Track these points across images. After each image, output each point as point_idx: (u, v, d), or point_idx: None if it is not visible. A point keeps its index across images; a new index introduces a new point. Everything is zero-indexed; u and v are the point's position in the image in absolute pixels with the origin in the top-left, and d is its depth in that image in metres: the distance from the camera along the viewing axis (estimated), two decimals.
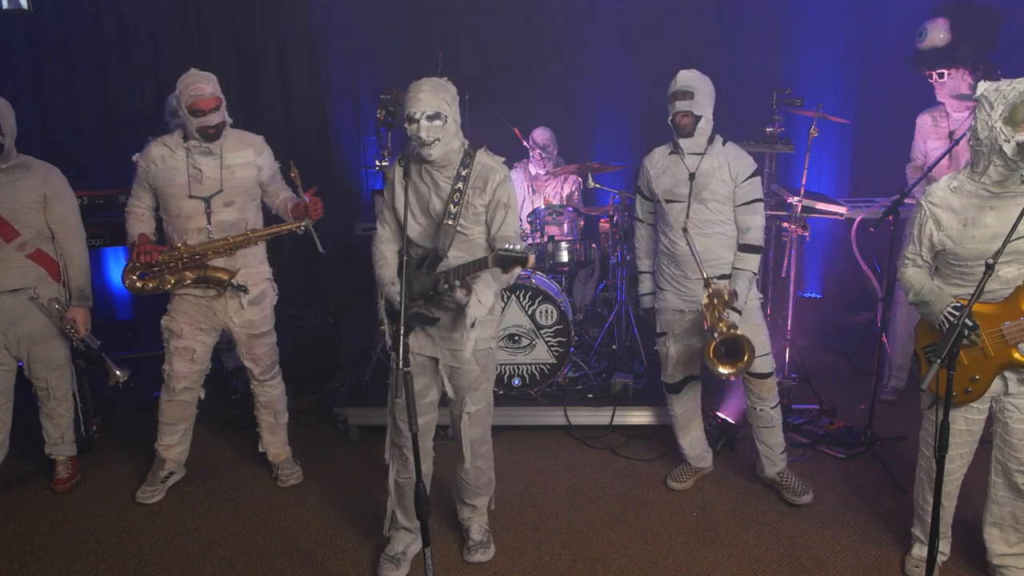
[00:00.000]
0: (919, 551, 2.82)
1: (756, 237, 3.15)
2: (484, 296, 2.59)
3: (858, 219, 4.09)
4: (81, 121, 5.10)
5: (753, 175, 3.12)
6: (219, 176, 3.16)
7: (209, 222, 3.17)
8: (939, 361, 2.08)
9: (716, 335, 2.90)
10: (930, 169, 3.72)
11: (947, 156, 3.66)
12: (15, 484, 3.54)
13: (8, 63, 4.95)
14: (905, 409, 4.11)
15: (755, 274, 3.18)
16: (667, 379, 3.41)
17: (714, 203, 3.11)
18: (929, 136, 4.00)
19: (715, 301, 2.93)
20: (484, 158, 2.65)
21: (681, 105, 3.06)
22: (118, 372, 3.44)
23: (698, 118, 3.07)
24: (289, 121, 4.72)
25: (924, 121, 4.03)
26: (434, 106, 2.50)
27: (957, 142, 3.60)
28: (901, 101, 5.46)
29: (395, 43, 5.69)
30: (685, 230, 3.06)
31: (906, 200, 3.50)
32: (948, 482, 2.66)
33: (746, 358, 2.94)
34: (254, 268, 3.33)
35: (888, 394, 4.25)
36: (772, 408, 3.27)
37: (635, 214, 3.45)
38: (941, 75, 3.85)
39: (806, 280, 5.89)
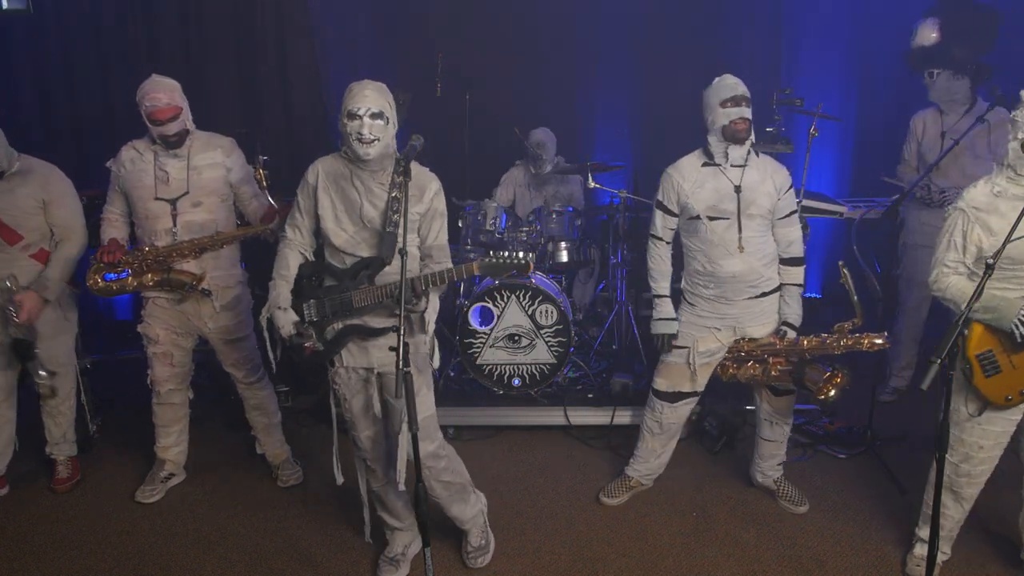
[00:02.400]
0: (921, 550, 2.82)
1: (800, 249, 3.09)
2: (434, 303, 2.58)
3: (858, 219, 4.09)
4: (80, 121, 5.09)
5: (791, 185, 3.03)
6: (185, 177, 3.14)
7: (175, 224, 3.14)
8: (939, 360, 2.09)
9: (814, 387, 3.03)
10: (929, 169, 3.73)
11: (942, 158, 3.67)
12: (15, 484, 3.54)
13: (8, 63, 4.95)
14: (905, 409, 4.11)
15: (803, 287, 3.12)
16: (666, 388, 3.22)
17: (760, 218, 2.96)
18: (924, 138, 4.01)
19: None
20: (416, 167, 2.57)
21: (741, 111, 2.88)
22: (42, 372, 3.33)
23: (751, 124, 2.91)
24: (289, 121, 4.72)
25: (919, 123, 4.03)
26: (379, 105, 2.46)
27: (956, 143, 3.59)
28: (901, 101, 5.46)
29: (395, 43, 5.69)
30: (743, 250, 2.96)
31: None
32: (974, 485, 2.69)
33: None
34: (224, 271, 3.27)
35: (888, 394, 4.24)
36: (788, 425, 3.25)
37: (652, 231, 3.14)
38: (931, 75, 3.89)
39: (806, 280, 5.87)
